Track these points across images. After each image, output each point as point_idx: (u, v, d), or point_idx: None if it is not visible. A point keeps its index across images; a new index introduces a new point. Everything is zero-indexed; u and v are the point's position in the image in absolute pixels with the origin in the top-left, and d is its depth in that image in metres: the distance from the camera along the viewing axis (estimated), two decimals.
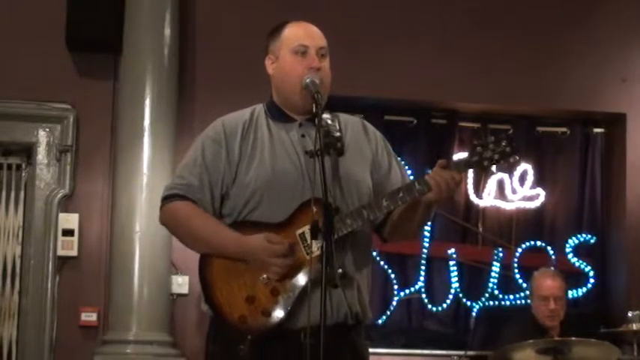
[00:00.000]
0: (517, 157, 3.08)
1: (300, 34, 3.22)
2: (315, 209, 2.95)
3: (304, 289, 2.98)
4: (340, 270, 2.93)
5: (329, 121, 3.13)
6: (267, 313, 3.01)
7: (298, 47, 3.19)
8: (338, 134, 3.13)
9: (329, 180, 3.01)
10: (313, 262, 2.98)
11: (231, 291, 3.06)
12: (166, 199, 3.18)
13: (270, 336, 3.01)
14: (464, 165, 3.11)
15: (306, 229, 3.02)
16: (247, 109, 3.28)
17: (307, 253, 3.01)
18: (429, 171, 3.11)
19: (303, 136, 3.16)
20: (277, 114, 3.23)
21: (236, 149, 3.15)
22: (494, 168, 3.15)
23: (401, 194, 3.05)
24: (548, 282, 5.68)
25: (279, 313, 3.00)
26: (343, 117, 3.29)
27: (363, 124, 3.33)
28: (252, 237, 3.03)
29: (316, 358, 2.78)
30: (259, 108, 3.28)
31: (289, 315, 3.00)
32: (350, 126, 3.27)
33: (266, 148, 3.15)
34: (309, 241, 3.02)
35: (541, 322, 5.64)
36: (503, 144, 3.06)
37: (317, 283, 2.88)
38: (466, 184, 6.80)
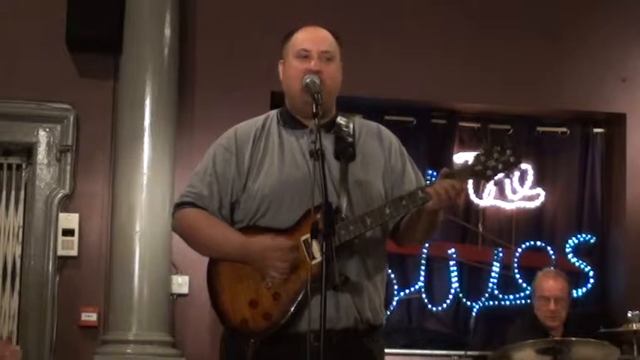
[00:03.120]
0: (520, 167, 3.09)
1: (304, 38, 3.24)
2: (318, 216, 2.95)
3: (306, 294, 2.99)
4: (342, 276, 2.94)
5: (343, 127, 3.14)
6: (269, 317, 3.02)
7: (300, 51, 3.20)
8: (350, 139, 3.14)
9: (337, 185, 3.03)
10: (315, 268, 2.99)
11: (236, 295, 3.08)
12: (178, 206, 3.24)
13: (274, 339, 3.02)
14: (467, 174, 3.10)
15: None
16: (261, 117, 3.31)
17: (312, 259, 3.03)
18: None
19: (313, 142, 3.13)
20: (289, 120, 3.25)
21: (246, 157, 3.18)
22: (496, 177, 3.14)
23: (404, 202, 3.05)
24: (550, 283, 5.67)
25: (280, 318, 3.02)
26: (359, 121, 3.29)
27: (379, 130, 3.33)
28: (256, 237, 3.06)
29: None
30: (273, 115, 3.30)
31: (291, 319, 3.01)
32: (364, 131, 3.27)
33: (275, 155, 3.16)
34: (313, 247, 3.03)
35: (543, 322, 5.64)
36: (508, 153, 3.05)
37: (319, 289, 2.89)
38: (466, 183, 6.80)
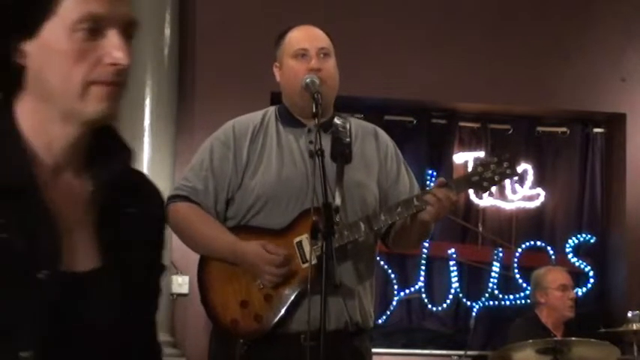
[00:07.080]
0: (516, 177, 3.11)
1: (299, 37, 3.22)
2: (314, 218, 2.96)
3: (298, 296, 3.00)
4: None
5: (340, 128, 3.13)
6: (259, 319, 3.02)
7: (298, 51, 3.19)
8: (347, 141, 3.13)
9: (333, 186, 3.01)
10: (309, 271, 2.99)
11: (227, 294, 3.07)
12: (171, 199, 3.20)
13: (263, 340, 3.02)
14: (463, 185, 3.11)
15: (304, 237, 3.04)
16: (260, 112, 3.29)
17: (303, 262, 3.02)
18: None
19: (311, 142, 3.15)
20: (287, 119, 3.23)
21: (244, 153, 3.16)
22: (493, 188, 3.16)
23: (399, 209, 3.06)
24: (562, 273, 5.70)
25: (270, 319, 3.02)
26: (355, 123, 3.28)
27: (375, 132, 3.32)
28: (249, 243, 3.04)
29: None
30: (271, 111, 3.29)
31: (281, 321, 3.01)
32: (361, 133, 3.26)
33: (273, 153, 3.15)
34: (305, 250, 3.03)
35: (563, 313, 5.62)
36: (505, 165, 3.08)
37: (313, 291, 2.90)
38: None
